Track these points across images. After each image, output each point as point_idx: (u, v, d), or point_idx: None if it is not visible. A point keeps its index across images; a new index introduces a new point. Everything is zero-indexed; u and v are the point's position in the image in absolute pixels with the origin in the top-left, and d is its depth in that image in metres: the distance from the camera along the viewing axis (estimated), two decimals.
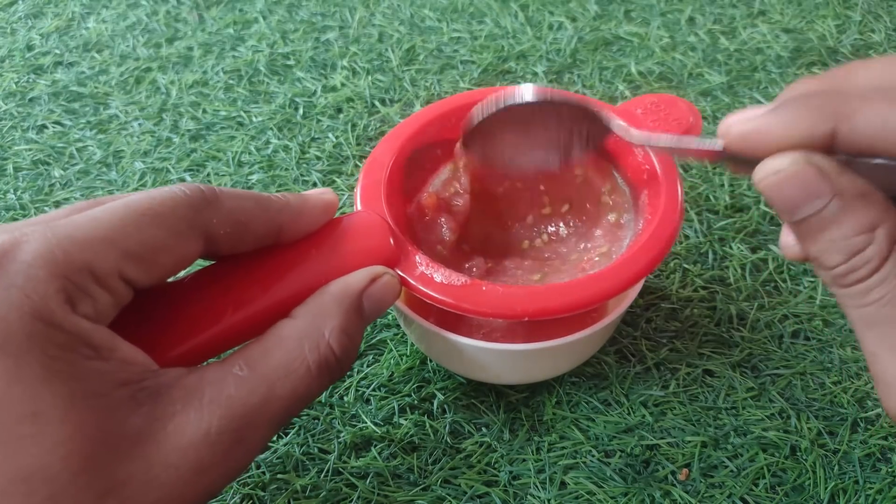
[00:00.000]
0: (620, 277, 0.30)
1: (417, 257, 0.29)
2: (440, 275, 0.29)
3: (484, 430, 0.37)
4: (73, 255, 0.20)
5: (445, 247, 0.34)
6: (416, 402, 0.38)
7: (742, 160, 0.23)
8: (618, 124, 0.30)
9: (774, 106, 0.21)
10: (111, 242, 0.21)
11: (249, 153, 0.52)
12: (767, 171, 0.21)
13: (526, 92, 0.31)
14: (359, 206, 0.31)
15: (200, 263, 0.27)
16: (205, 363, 0.24)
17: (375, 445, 0.36)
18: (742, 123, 0.22)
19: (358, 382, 0.39)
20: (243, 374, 0.22)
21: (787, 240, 0.25)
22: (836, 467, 0.35)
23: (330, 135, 0.53)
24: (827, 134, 0.20)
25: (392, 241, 0.29)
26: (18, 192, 0.50)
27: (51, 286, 0.19)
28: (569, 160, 0.33)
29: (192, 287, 0.26)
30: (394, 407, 0.38)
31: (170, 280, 0.26)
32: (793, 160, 0.20)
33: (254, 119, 0.55)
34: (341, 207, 0.48)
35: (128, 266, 0.21)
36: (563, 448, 0.36)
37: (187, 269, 0.24)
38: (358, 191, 0.32)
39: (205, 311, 0.25)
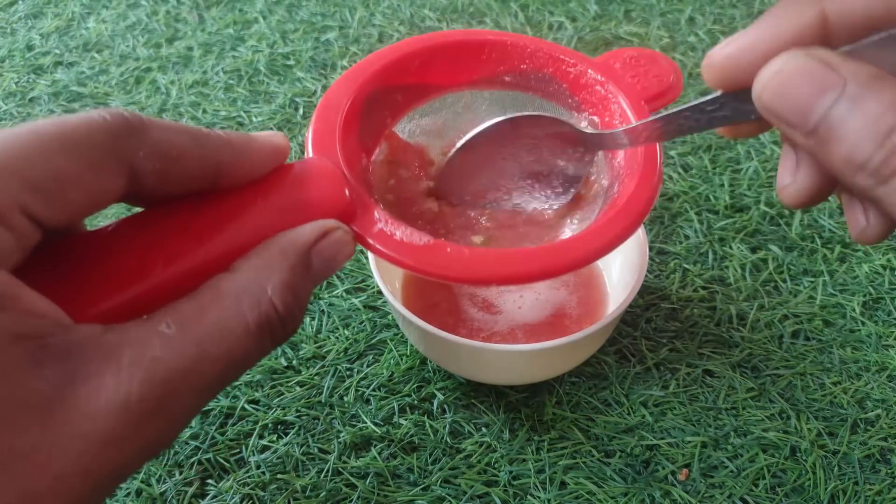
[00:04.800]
0: (593, 244, 0.27)
1: (376, 213, 0.26)
2: (400, 233, 0.26)
3: (484, 430, 0.37)
4: None
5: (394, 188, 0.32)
6: (416, 402, 0.38)
7: (744, 100, 0.20)
8: (593, 128, 0.28)
9: (753, 22, 0.20)
10: (11, 172, 0.18)
11: None
12: (767, 76, 0.19)
13: (487, 122, 0.29)
14: (310, 153, 0.28)
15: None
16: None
17: (375, 445, 0.36)
18: (724, 48, 0.20)
19: (358, 382, 0.39)
20: (171, 333, 0.20)
21: (785, 178, 0.22)
22: (836, 468, 0.35)
23: None
24: (817, 21, 0.19)
25: (347, 192, 0.26)
26: None
27: None
28: (568, 191, 0.31)
29: (117, 236, 0.22)
30: (394, 407, 0.38)
31: (92, 228, 0.23)
32: (790, 56, 0.19)
33: (254, 119, 0.55)
34: None
35: (32, 200, 0.18)
36: (563, 448, 0.36)
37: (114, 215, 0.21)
38: (309, 136, 0.28)
39: (131, 263, 0.22)
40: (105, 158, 0.20)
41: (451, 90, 0.35)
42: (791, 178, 0.22)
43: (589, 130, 0.30)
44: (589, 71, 0.33)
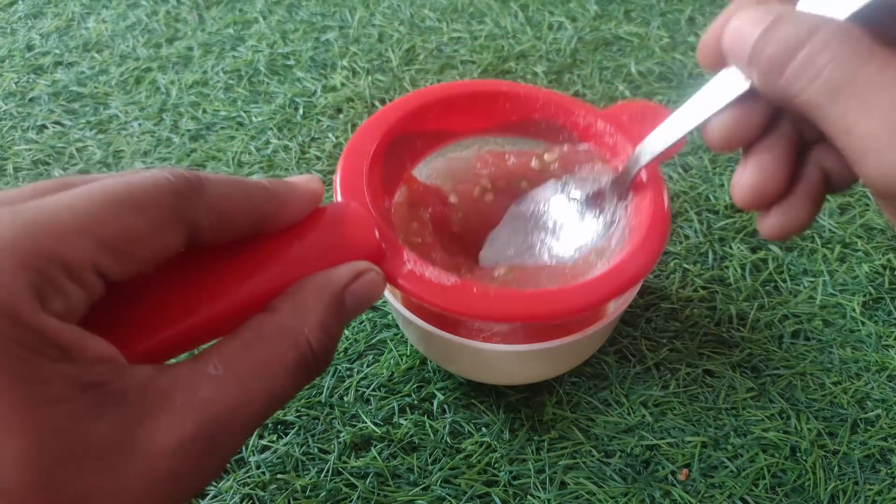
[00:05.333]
0: (614, 283, 0.29)
1: (405, 254, 0.28)
2: (429, 273, 0.28)
3: (484, 430, 0.37)
4: (44, 245, 0.18)
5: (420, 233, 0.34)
6: (416, 402, 0.38)
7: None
8: (633, 165, 0.31)
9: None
10: (86, 232, 0.19)
11: (249, 153, 0.52)
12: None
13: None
14: (339, 196, 0.30)
15: None
16: (174, 360, 0.22)
17: (375, 445, 0.36)
18: (707, 32, 0.23)
19: (358, 382, 0.39)
20: (218, 374, 0.21)
21: (735, 176, 0.25)
22: (836, 468, 0.35)
23: (330, 135, 0.53)
24: None
25: (377, 233, 0.28)
26: None
27: (18, 280, 0.18)
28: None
29: (163, 275, 0.24)
30: (394, 407, 0.38)
31: None
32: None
33: (254, 119, 0.55)
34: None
35: (103, 258, 0.19)
36: (563, 448, 0.36)
37: None
38: (338, 180, 0.30)
39: (177, 301, 0.23)
40: (169, 218, 0.21)
41: (466, 136, 0.37)
42: (739, 175, 0.25)
43: (605, 182, 0.32)
44: (598, 122, 0.35)
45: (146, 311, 0.23)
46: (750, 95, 0.23)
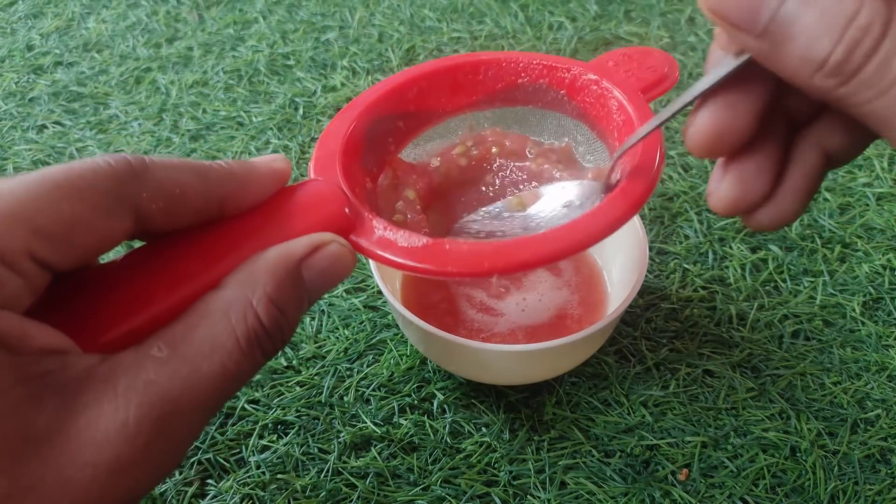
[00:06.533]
0: (593, 227, 0.27)
1: (375, 221, 0.27)
2: (400, 237, 0.27)
3: (484, 430, 0.37)
4: None
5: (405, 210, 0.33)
6: (416, 402, 0.38)
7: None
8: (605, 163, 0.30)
9: None
10: (19, 219, 0.19)
11: (249, 153, 0.52)
12: None
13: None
14: (312, 177, 0.29)
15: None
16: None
17: (375, 445, 0.36)
18: None
19: (358, 382, 0.39)
20: (162, 356, 0.20)
21: (712, 184, 0.22)
22: (836, 468, 0.35)
23: None
24: None
25: (347, 210, 0.27)
26: None
27: None
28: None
29: (125, 266, 0.23)
30: (394, 407, 0.38)
31: (104, 261, 0.24)
32: None
33: (254, 119, 0.55)
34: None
35: (40, 245, 0.19)
36: (563, 448, 0.36)
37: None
38: (311, 163, 0.29)
39: (138, 291, 0.23)
40: (110, 202, 0.21)
41: (453, 114, 0.36)
42: (717, 184, 0.22)
43: (587, 186, 0.31)
44: (583, 73, 0.34)
45: (107, 305, 0.22)
46: (741, 87, 0.20)
